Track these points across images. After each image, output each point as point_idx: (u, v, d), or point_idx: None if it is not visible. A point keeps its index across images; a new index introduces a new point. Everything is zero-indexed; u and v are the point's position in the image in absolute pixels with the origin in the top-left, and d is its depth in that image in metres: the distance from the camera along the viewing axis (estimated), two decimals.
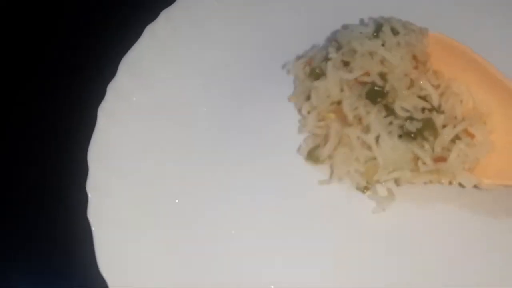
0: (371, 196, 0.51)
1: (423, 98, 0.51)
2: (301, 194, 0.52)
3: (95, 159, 0.52)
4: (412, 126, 0.49)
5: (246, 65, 0.59)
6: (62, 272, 0.53)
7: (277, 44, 0.59)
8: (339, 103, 0.52)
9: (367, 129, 0.50)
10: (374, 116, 0.50)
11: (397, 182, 0.51)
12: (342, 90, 0.52)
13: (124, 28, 0.60)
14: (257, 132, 0.55)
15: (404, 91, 0.51)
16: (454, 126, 0.50)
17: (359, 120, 0.51)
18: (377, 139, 0.50)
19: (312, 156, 0.53)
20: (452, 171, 0.49)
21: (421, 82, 0.51)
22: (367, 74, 0.51)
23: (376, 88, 0.51)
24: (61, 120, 0.60)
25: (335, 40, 0.55)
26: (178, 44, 0.59)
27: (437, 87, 0.52)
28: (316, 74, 0.53)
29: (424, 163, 0.49)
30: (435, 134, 0.49)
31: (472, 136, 0.50)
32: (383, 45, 0.52)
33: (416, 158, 0.49)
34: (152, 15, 0.59)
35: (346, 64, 0.52)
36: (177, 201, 0.52)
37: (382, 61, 0.52)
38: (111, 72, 0.56)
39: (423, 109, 0.51)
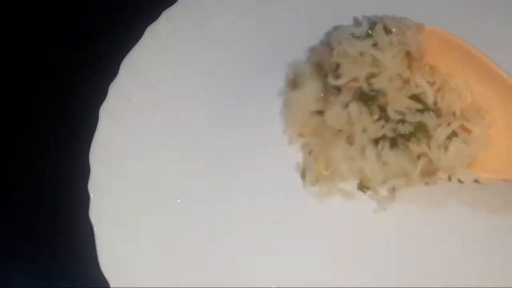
0: (372, 196, 0.52)
1: (418, 96, 0.50)
2: (302, 194, 0.52)
3: (97, 159, 0.52)
4: (404, 129, 0.49)
5: (247, 65, 0.59)
6: (64, 272, 0.53)
7: (278, 44, 0.59)
8: (320, 113, 0.51)
9: (352, 140, 0.50)
10: (360, 128, 0.49)
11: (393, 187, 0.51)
12: (323, 98, 0.51)
13: (125, 28, 0.60)
14: (258, 132, 0.55)
15: (396, 92, 0.50)
16: (448, 124, 0.49)
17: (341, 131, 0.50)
18: (362, 150, 0.49)
19: (306, 177, 0.53)
20: (451, 166, 0.49)
21: (416, 80, 0.51)
22: (356, 80, 0.50)
23: (365, 91, 0.50)
24: (62, 120, 0.60)
25: (328, 42, 0.54)
26: (180, 44, 0.59)
27: (432, 83, 0.51)
28: (294, 83, 0.53)
29: (411, 179, 0.49)
30: (428, 136, 0.49)
31: (469, 131, 0.50)
32: (375, 45, 0.51)
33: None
34: (153, 15, 0.59)
35: (338, 67, 0.51)
36: (178, 201, 0.52)
37: (374, 62, 0.50)
38: (113, 72, 0.56)
39: (416, 110, 0.50)
